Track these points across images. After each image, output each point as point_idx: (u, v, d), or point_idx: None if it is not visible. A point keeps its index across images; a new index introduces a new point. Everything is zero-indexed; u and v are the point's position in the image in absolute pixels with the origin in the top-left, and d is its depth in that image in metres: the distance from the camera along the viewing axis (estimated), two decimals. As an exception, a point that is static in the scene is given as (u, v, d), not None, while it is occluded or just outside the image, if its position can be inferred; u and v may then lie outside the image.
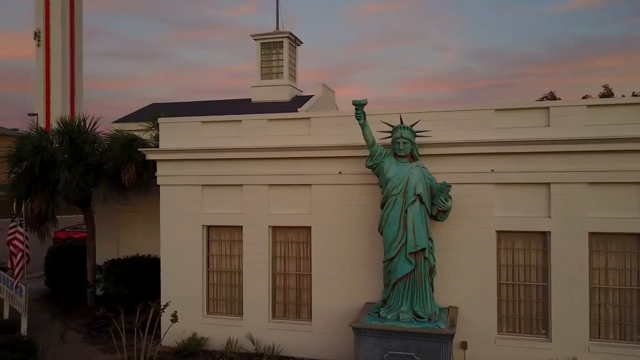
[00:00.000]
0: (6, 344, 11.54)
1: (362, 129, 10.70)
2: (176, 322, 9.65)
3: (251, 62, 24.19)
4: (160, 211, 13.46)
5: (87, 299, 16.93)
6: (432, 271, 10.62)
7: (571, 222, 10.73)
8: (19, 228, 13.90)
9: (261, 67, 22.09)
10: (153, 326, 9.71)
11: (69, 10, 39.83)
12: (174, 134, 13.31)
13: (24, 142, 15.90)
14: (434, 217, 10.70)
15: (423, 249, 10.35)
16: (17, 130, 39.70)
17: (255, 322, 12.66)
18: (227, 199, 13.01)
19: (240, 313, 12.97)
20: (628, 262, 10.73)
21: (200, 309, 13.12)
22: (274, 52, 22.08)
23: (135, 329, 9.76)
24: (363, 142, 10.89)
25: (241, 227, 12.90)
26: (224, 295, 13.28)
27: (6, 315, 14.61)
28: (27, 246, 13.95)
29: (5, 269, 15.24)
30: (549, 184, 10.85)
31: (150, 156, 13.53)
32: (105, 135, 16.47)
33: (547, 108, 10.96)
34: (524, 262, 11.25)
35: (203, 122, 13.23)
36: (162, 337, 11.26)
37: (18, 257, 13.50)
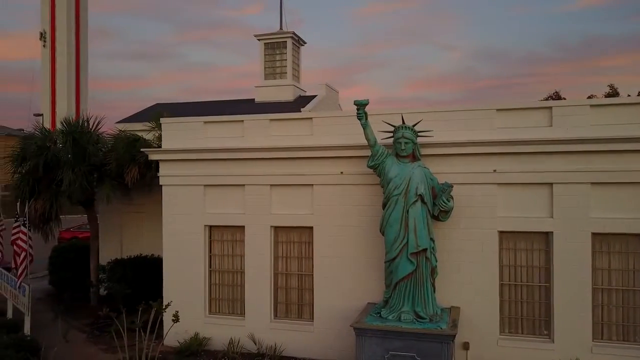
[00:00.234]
0: (10, 343, 11.59)
1: (363, 129, 10.69)
2: (178, 322, 9.67)
3: (255, 63, 24.19)
4: (162, 211, 13.50)
5: (91, 299, 17.00)
6: (433, 272, 10.58)
7: (574, 222, 10.67)
8: (22, 228, 13.95)
9: (265, 68, 22.12)
10: (155, 326, 9.73)
11: (75, 12, 40.06)
12: (177, 134, 13.34)
13: (27, 142, 15.97)
14: (436, 218, 10.66)
15: (425, 250, 10.32)
16: (23, 130, 39.90)
17: (257, 322, 12.67)
18: (230, 199, 13.02)
19: (242, 313, 12.99)
20: (631, 262, 10.66)
21: (202, 309, 13.13)
22: (277, 52, 22.10)
23: (137, 329, 9.79)
24: (365, 142, 10.87)
25: (243, 227, 12.91)
26: (226, 295, 13.30)
27: (10, 314, 14.69)
28: (30, 246, 14.00)
29: (9, 269, 15.32)
30: (551, 184, 10.80)
31: (152, 156, 13.57)
32: (108, 136, 16.53)
33: (550, 108, 10.91)
34: (527, 263, 11.19)
35: (205, 122, 13.26)
36: (164, 337, 11.28)
37: (21, 256, 13.56)
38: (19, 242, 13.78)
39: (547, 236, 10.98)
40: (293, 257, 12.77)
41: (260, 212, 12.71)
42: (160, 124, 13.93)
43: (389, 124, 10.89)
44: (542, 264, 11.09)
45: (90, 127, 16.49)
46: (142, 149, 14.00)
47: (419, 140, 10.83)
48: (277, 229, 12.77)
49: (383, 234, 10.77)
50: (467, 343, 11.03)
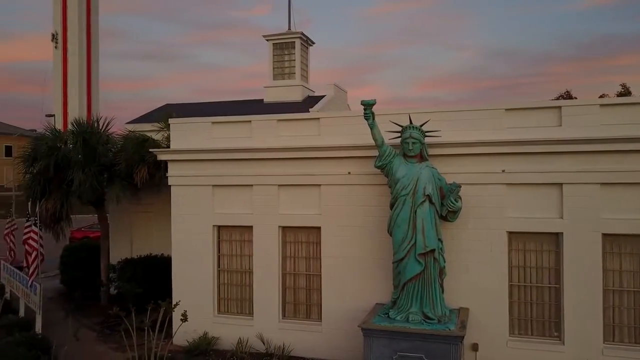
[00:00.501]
0: (21, 341, 11.73)
1: (370, 129, 10.66)
2: (186, 322, 9.71)
3: (264, 63, 24.24)
4: (171, 211, 13.57)
5: (101, 298, 17.14)
6: (442, 272, 10.53)
7: (584, 223, 10.57)
8: (33, 227, 14.12)
9: (273, 68, 22.15)
10: (164, 325, 9.79)
11: (86, 13, 40.38)
12: (185, 135, 13.41)
13: (39, 142, 16.15)
14: (444, 218, 10.62)
15: (433, 250, 10.28)
16: (35, 130, 40.33)
17: (266, 322, 12.70)
18: (238, 199, 13.07)
19: (250, 313, 13.02)
20: (643, 264, 10.53)
21: (211, 309, 13.19)
22: (285, 52, 22.12)
23: (146, 328, 9.85)
24: (372, 142, 10.85)
25: (251, 227, 12.95)
26: (235, 295, 13.34)
27: (22, 313, 14.86)
28: (41, 245, 14.17)
29: (21, 268, 15.50)
30: (561, 184, 10.70)
31: (161, 156, 13.65)
32: (118, 136, 16.67)
33: (559, 107, 10.81)
34: (536, 264, 11.10)
35: (213, 122, 13.31)
36: (173, 336, 11.35)
37: (32, 256, 13.72)
38: (30, 241, 13.94)
39: (556, 237, 10.88)
40: (301, 257, 12.78)
41: (268, 212, 12.73)
42: (169, 124, 14.01)
43: (397, 124, 10.86)
44: (551, 265, 11.00)
45: (100, 127, 16.64)
46: (151, 149, 14.09)
47: (427, 140, 10.78)
48: (285, 229, 12.79)
49: (391, 235, 10.74)
50: (476, 344, 10.97)
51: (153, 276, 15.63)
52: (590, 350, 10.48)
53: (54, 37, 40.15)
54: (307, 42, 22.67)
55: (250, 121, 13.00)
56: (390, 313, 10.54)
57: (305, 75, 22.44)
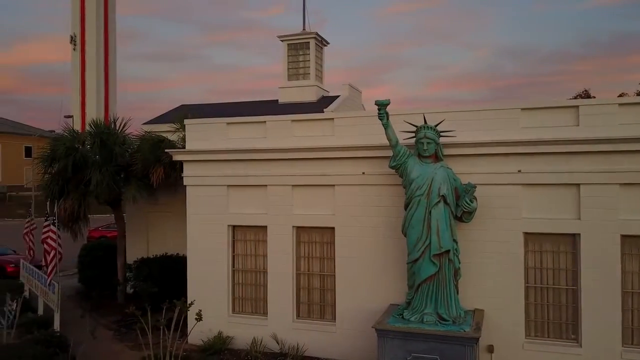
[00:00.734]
0: (40, 339, 11.94)
1: (385, 129, 10.63)
2: (201, 321, 9.79)
3: (279, 63, 24.29)
4: (187, 211, 13.68)
5: (118, 297, 17.33)
6: (456, 273, 10.46)
7: (602, 224, 10.41)
8: (52, 227, 14.33)
9: (288, 68, 22.19)
10: (179, 324, 9.87)
11: (103, 15, 40.89)
12: (200, 135, 13.50)
13: (57, 143, 16.39)
14: (459, 219, 10.54)
15: (447, 251, 10.21)
16: (54, 131, 40.97)
17: (280, 322, 12.73)
18: (252, 199, 13.12)
19: (265, 313, 13.06)
20: (663, 266, 10.34)
21: (225, 308, 13.26)
22: (300, 53, 22.14)
23: (162, 327, 9.94)
24: (386, 142, 10.81)
25: (266, 227, 12.99)
26: (249, 294, 13.40)
27: (41, 311, 15.11)
28: (59, 244, 14.36)
29: (40, 267, 15.75)
30: (578, 184, 10.55)
31: (177, 157, 13.76)
32: (134, 137, 16.85)
33: (577, 107, 10.67)
34: (553, 265, 10.97)
35: (228, 123, 13.39)
36: (188, 335, 11.44)
37: (51, 255, 13.92)
38: (49, 240, 14.14)
39: (574, 238, 10.73)
40: (315, 257, 12.79)
41: (282, 213, 12.77)
42: (185, 125, 14.12)
43: (411, 124, 10.81)
44: (569, 266, 10.85)
45: (117, 128, 16.84)
46: (166, 150, 14.22)
47: (442, 140, 10.71)
48: (299, 229, 12.81)
49: (405, 235, 10.69)
50: (492, 346, 10.87)
51: (168, 275, 15.77)
52: (608, 354, 10.32)
53: (72, 39, 40.73)
54: (321, 42, 22.66)
55: (265, 122, 13.05)
56: (404, 314, 10.49)
57: (319, 76, 22.44)
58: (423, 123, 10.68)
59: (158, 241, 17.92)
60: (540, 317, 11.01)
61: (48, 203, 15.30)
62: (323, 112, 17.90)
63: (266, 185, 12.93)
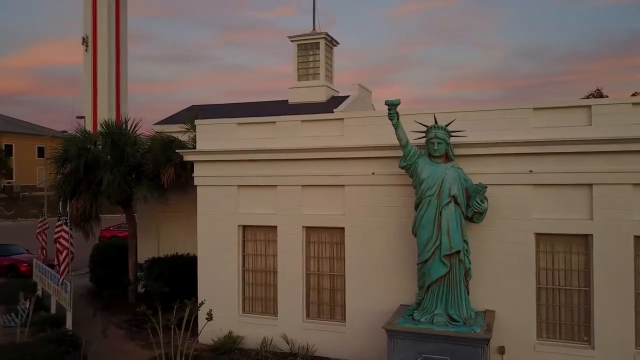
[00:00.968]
0: (52, 337, 12.04)
1: (395, 129, 10.60)
2: (211, 320, 9.81)
3: (289, 64, 24.32)
4: (197, 211, 13.74)
5: (129, 296, 17.46)
6: (467, 274, 10.41)
7: (615, 224, 10.30)
8: (64, 227, 14.47)
9: (298, 69, 22.22)
10: (190, 324, 9.91)
11: (115, 17, 41.28)
12: (211, 136, 13.56)
13: (69, 144, 16.54)
14: (470, 219, 10.49)
15: (458, 252, 10.16)
16: (66, 132, 41.38)
17: (290, 322, 12.74)
18: (262, 199, 13.15)
19: (275, 312, 13.09)
20: (677, 267, 10.21)
21: (236, 308, 13.31)
22: (310, 53, 22.17)
23: (173, 327, 9.99)
24: (396, 142, 10.78)
25: (276, 227, 13.01)
26: (259, 294, 13.43)
27: (53, 310, 15.26)
28: (71, 244, 14.51)
29: (53, 266, 15.91)
30: (591, 185, 10.45)
31: (187, 157, 13.84)
32: (145, 137, 16.97)
33: (589, 106, 10.57)
34: (565, 266, 10.87)
35: (239, 123, 13.43)
36: (198, 335, 11.48)
37: (63, 254, 14.05)
38: (61, 240, 14.28)
39: (586, 239, 10.63)
40: (325, 257, 12.79)
41: (292, 213, 12.78)
42: (195, 125, 14.19)
43: (421, 124, 10.77)
44: (581, 267, 10.75)
45: (128, 129, 16.96)
46: (177, 150, 14.30)
47: (452, 140, 10.66)
48: (308, 229, 12.82)
49: (415, 236, 10.66)
50: (503, 347, 10.79)
51: (179, 275, 15.85)
52: (621, 356, 10.21)
53: (84, 41, 41.13)
54: (331, 42, 22.67)
55: (274, 122, 13.07)
56: (414, 314, 10.46)
57: (329, 76, 22.45)
58: (433, 123, 10.64)
59: (169, 241, 18.04)
60: (551, 319, 10.92)
61: (60, 203, 15.46)
62: (333, 112, 17.91)
63: (276, 186, 12.95)
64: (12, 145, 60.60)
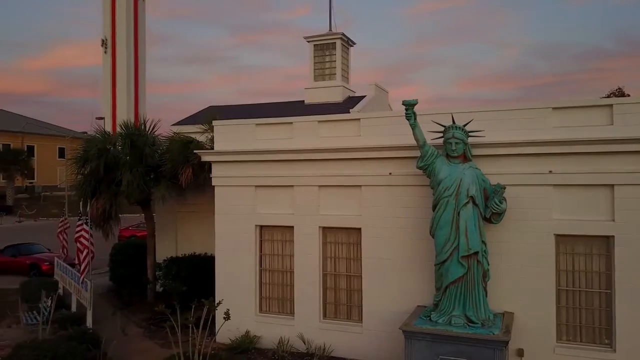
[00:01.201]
0: (74, 335, 12.26)
1: (412, 129, 10.55)
2: (229, 320, 9.87)
3: (305, 64, 24.34)
4: (215, 211, 13.84)
5: (148, 295, 17.65)
6: (485, 275, 10.32)
7: (638, 226, 10.11)
8: (84, 226, 14.69)
9: (314, 69, 22.22)
10: (207, 323, 9.99)
11: (133, 19, 41.78)
12: (228, 136, 13.65)
13: (89, 144, 16.79)
14: (488, 220, 10.39)
15: (476, 253, 10.08)
16: (86, 133, 42.04)
17: (307, 322, 12.76)
18: (279, 199, 13.20)
19: (291, 312, 13.12)
20: (702, 269, 9.98)
21: (253, 308, 13.37)
22: (326, 53, 22.15)
23: (191, 326, 10.08)
24: (414, 142, 10.74)
25: (292, 227, 13.05)
26: (276, 294, 13.48)
27: (74, 308, 15.49)
28: (92, 243, 14.71)
29: (73, 265, 16.17)
30: (612, 185, 10.28)
31: (205, 158, 13.94)
32: (164, 138, 17.14)
33: (611, 106, 10.39)
34: (585, 268, 10.71)
35: (256, 124, 13.49)
36: (216, 334, 11.57)
37: (84, 253, 14.27)
38: (82, 239, 14.51)
39: (607, 240, 10.46)
40: (341, 257, 12.78)
41: (309, 213, 12.80)
42: (213, 126, 14.29)
43: (439, 124, 10.70)
44: (602, 269, 10.58)
45: (147, 129, 17.15)
46: (195, 151, 14.42)
47: (470, 140, 10.57)
48: (325, 229, 12.83)
49: (433, 237, 10.60)
50: (522, 350, 10.68)
51: (197, 274, 15.99)
52: (644, 359, 10.02)
53: (103, 43, 41.69)
54: (348, 42, 22.64)
55: (291, 122, 13.11)
56: (432, 316, 10.40)
57: (346, 76, 22.42)
58: (451, 123, 10.57)
59: (186, 241, 18.19)
60: (572, 321, 10.76)
61: (81, 203, 15.69)
62: (349, 112, 17.89)
63: (293, 186, 12.98)
64: (33, 146, 61.79)
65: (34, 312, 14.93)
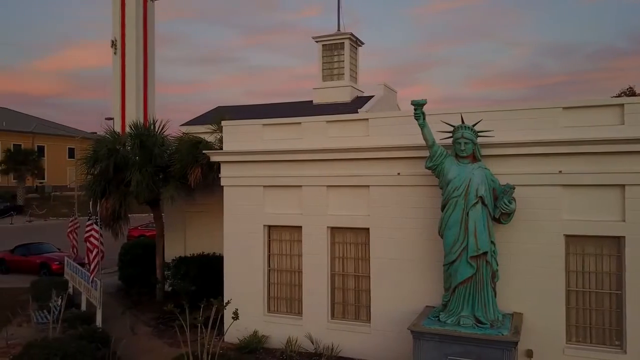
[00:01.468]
0: (83, 334, 12.35)
1: (421, 129, 10.53)
2: (237, 320, 9.91)
3: (314, 64, 24.36)
4: (223, 211, 13.88)
5: (156, 294, 17.74)
6: (494, 276, 10.27)
7: (649, 226, 10.01)
8: (94, 226, 14.79)
9: (322, 69, 22.23)
10: (216, 322, 10.02)
11: (143, 20, 41.99)
12: (237, 137, 13.69)
13: (99, 145, 16.92)
14: (497, 220, 10.35)
15: (485, 253, 10.03)
16: (96, 133, 42.32)
17: (315, 322, 12.77)
18: (288, 199, 13.21)
19: (299, 312, 13.13)
20: None
21: (261, 307, 13.40)
22: (335, 53, 22.15)
23: (199, 325, 10.11)
24: (422, 142, 10.71)
25: (301, 227, 13.06)
26: (284, 294, 13.50)
27: (84, 307, 15.63)
28: (101, 243, 14.82)
29: (83, 264, 16.29)
30: (623, 185, 10.19)
31: (214, 158, 13.99)
32: (173, 138, 17.22)
33: (622, 105, 10.30)
34: (596, 269, 10.63)
35: (264, 124, 13.52)
36: (224, 334, 11.60)
37: (93, 253, 14.36)
38: (92, 239, 14.60)
39: (618, 241, 10.37)
40: (350, 258, 12.78)
41: (317, 213, 12.81)
42: (222, 126, 14.34)
43: (448, 124, 10.66)
44: (612, 270, 10.50)
45: (156, 130, 17.24)
46: (204, 151, 14.47)
47: (480, 140, 10.53)
48: (333, 229, 12.83)
49: (442, 237, 10.56)
50: (531, 351, 10.62)
51: (205, 274, 16.04)
52: (655, 361, 9.93)
53: (113, 44, 41.93)
54: (356, 42, 22.63)
55: (300, 123, 13.12)
56: (440, 316, 10.37)
57: (354, 76, 22.41)
58: (460, 123, 10.53)
59: (195, 240, 18.26)
60: (582, 322, 10.68)
61: (90, 203, 15.80)
62: (357, 112, 17.87)
63: (301, 186, 13.00)
64: (44, 146, 62.33)
65: (44, 311, 15.06)
